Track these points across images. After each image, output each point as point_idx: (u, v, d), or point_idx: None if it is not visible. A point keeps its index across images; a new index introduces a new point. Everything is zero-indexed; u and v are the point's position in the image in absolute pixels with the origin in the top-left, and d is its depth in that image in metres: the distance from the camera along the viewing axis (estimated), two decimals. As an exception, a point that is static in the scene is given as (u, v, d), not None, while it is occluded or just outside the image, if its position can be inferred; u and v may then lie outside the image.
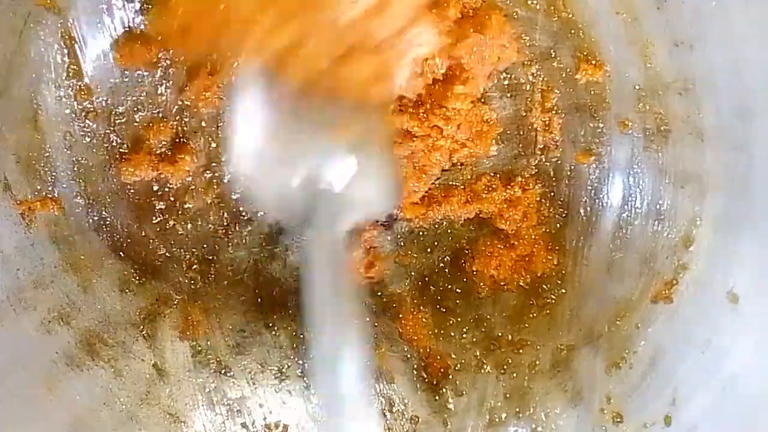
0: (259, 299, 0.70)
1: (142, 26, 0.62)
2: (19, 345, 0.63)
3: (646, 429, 0.64)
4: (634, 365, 0.65)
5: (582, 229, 0.68)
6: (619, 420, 0.65)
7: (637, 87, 0.64)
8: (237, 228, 0.68)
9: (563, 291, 0.69)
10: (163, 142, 0.65)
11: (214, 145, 0.66)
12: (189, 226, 0.68)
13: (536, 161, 0.68)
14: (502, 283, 0.69)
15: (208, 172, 0.67)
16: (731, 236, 0.62)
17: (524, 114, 0.67)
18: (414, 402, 0.70)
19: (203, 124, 0.65)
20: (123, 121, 0.64)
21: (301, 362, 0.69)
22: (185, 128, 0.65)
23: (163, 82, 0.64)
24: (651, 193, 0.66)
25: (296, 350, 0.70)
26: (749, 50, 0.57)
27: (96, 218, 0.67)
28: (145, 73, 0.63)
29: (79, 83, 0.63)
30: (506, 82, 0.66)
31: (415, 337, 0.70)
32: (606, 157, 0.67)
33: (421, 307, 0.70)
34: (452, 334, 0.70)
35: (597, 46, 0.64)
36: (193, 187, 0.67)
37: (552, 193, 0.69)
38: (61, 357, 0.65)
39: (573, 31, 0.64)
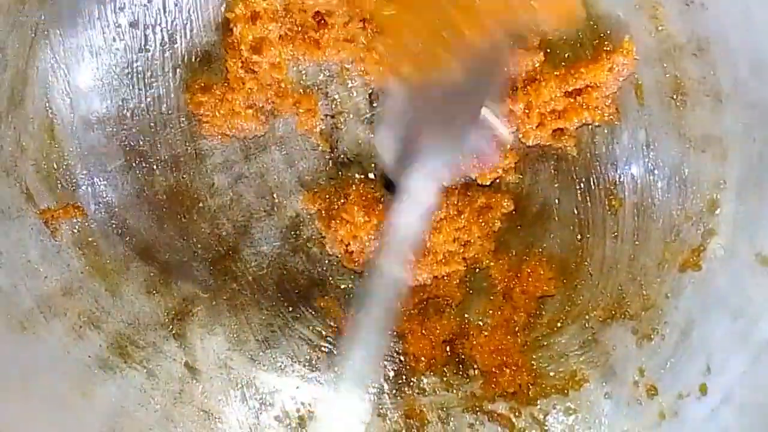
0: (284, 292, 0.70)
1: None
2: (52, 351, 0.64)
3: (682, 400, 0.63)
4: (665, 336, 0.64)
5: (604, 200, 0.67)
6: (653, 393, 0.64)
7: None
8: (258, 222, 0.69)
9: (588, 265, 0.68)
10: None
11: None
12: (210, 224, 0.69)
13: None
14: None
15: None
16: (756, 197, 0.60)
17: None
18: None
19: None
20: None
21: (330, 352, 0.70)
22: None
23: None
24: (672, 159, 0.64)
25: (325, 341, 0.70)
26: (761, 5, 0.56)
27: (119, 222, 0.68)
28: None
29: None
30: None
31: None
32: (624, 125, 0.66)
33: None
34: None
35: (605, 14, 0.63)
36: (214, 184, 0.68)
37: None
38: (94, 361, 0.66)
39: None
